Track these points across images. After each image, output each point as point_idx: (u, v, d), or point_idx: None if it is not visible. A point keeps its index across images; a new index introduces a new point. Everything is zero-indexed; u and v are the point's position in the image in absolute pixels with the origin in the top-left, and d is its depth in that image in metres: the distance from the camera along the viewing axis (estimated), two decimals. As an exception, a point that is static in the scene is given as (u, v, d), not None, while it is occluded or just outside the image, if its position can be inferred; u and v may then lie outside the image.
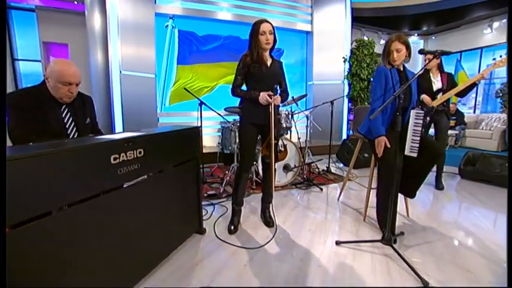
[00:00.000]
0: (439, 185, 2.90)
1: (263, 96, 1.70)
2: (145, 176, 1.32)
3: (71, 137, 1.50)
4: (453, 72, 6.74)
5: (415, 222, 2.07)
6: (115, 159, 1.08)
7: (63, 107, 1.49)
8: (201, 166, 2.90)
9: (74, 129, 1.52)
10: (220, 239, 1.79)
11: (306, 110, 3.48)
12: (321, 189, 2.86)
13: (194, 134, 1.69)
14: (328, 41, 5.08)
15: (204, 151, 4.16)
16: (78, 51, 5.15)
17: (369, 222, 2.05)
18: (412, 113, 1.77)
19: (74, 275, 0.98)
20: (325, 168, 3.56)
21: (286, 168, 2.95)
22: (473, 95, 7.00)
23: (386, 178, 1.75)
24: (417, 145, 1.77)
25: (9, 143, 1.34)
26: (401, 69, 1.93)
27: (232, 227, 1.91)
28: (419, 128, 1.77)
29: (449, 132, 5.63)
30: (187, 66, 4.55)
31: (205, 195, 2.63)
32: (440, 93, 2.70)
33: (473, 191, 2.82)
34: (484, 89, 6.88)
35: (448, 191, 2.81)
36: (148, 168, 1.30)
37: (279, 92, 1.89)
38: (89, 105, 1.66)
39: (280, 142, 2.21)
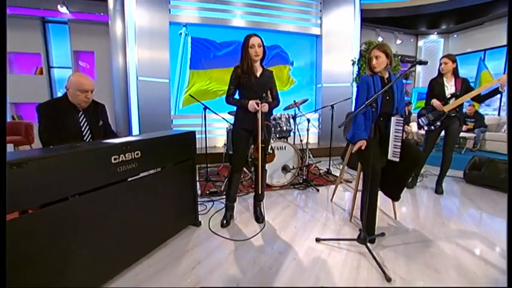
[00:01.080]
0: (438, 189, 2.89)
1: (251, 104, 1.89)
2: (143, 174, 1.57)
3: (86, 137, 1.80)
4: (476, 72, 6.47)
5: (401, 224, 2.14)
6: (115, 159, 1.32)
7: (80, 113, 1.79)
8: (205, 165, 3.17)
9: (89, 131, 1.82)
10: (212, 231, 2.00)
11: (307, 113, 3.58)
12: (317, 190, 2.98)
13: (189, 137, 1.92)
14: (337, 44, 5.12)
15: (214, 151, 4.43)
16: (102, 57, 5.66)
17: (354, 222, 2.16)
18: (393, 120, 1.86)
19: (88, 247, 1.25)
20: (326, 170, 3.66)
21: (285, 169, 3.10)
22: (498, 96, 6.61)
23: (369, 180, 1.85)
24: (399, 150, 1.86)
25: (39, 144, 1.67)
26: (386, 76, 2.00)
27: (224, 221, 2.11)
28: (400, 134, 1.86)
29: (468, 135, 5.43)
30: (202, 71, 4.83)
31: (207, 192, 2.87)
32: (453, 98, 2.67)
33: (473, 196, 2.79)
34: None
35: (446, 196, 2.81)
36: (145, 167, 1.54)
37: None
38: (101, 111, 1.96)
39: (271, 145, 2.38)
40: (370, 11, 6.07)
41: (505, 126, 5.46)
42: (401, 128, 1.84)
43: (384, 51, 1.91)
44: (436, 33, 7.42)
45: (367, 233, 1.75)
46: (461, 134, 5.40)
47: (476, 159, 3.27)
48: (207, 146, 3.30)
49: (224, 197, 2.71)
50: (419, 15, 6.31)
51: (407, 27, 7.12)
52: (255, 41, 1.92)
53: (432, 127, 2.78)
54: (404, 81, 7.95)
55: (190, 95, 3.04)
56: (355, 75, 5.02)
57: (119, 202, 1.40)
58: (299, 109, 3.53)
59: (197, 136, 2.97)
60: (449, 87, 2.72)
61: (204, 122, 2.99)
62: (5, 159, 0.91)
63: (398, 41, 7.28)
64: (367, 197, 1.76)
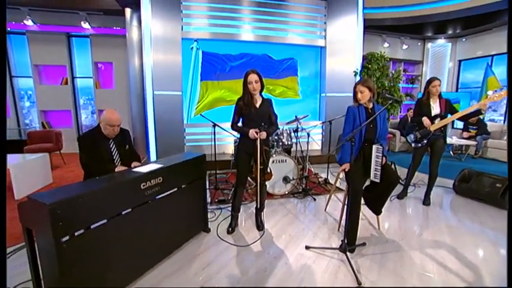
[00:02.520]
0: (426, 201, 3.16)
1: (251, 133, 2.24)
2: (164, 194, 1.95)
3: (116, 160, 2.20)
4: (483, 77, 6.53)
5: (382, 235, 2.45)
6: (143, 186, 1.71)
7: (110, 140, 2.19)
8: (215, 172, 3.53)
9: (118, 155, 2.22)
10: (219, 237, 2.39)
11: (308, 128, 3.89)
12: (314, 200, 3.32)
13: (200, 160, 2.29)
14: (340, 55, 5.35)
15: (223, 158, 4.82)
16: (120, 67, 6.14)
17: (341, 231, 2.48)
18: (374, 148, 2.17)
19: (123, 253, 1.64)
20: (324, 179, 3.97)
21: (286, 179, 3.44)
22: (505, 101, 6.64)
23: (352, 197, 2.16)
24: (379, 173, 2.16)
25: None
26: (370, 107, 2.29)
27: (230, 229, 2.49)
28: (380, 160, 2.15)
29: (470, 142, 5.56)
30: (215, 82, 5.19)
31: (216, 200, 3.26)
32: (438, 119, 2.91)
33: (457, 208, 3.05)
34: (516, 96, 6.48)
35: (432, 207, 3.07)
36: (165, 189, 1.93)
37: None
38: (126, 136, 2.36)
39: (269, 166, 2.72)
40: (375, 20, 6.23)
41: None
42: (381, 154, 2.13)
43: (367, 87, 2.20)
44: (443, 37, 7.45)
45: (348, 244, 2.08)
46: (463, 142, 5.56)
47: (466, 171, 3.49)
48: (216, 153, 3.64)
49: (231, 204, 3.14)
50: (426, 23, 6.39)
51: (414, 32, 7.19)
52: (252, 78, 2.26)
53: (419, 144, 3.04)
54: (410, 85, 8.05)
55: (201, 114, 3.40)
56: (357, 86, 5.24)
57: (145, 217, 1.80)
58: (299, 124, 3.84)
59: (207, 143, 3.40)
60: (435, 108, 2.95)
61: (213, 137, 3.36)
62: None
63: (405, 46, 7.39)
64: (347, 212, 2.09)
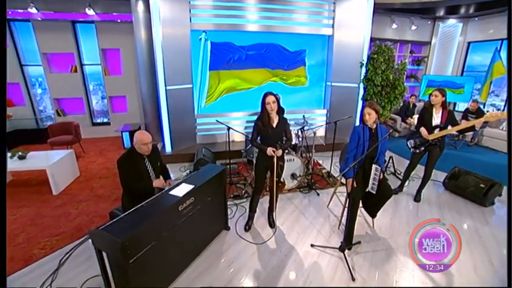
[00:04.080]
0: (417, 197, 3.57)
1: (269, 151, 2.56)
2: (195, 207, 2.34)
3: (151, 176, 2.54)
4: (490, 62, 6.55)
5: (375, 232, 2.90)
6: (181, 207, 2.09)
7: (145, 159, 2.51)
8: (228, 164, 3.88)
9: (153, 172, 2.56)
10: (239, 235, 2.85)
11: (313, 128, 4.15)
12: (318, 194, 3.74)
13: (221, 173, 2.64)
14: (347, 44, 5.36)
15: (232, 148, 5.14)
16: (127, 54, 6.17)
17: (341, 229, 2.93)
18: (373, 167, 2.49)
19: (171, 257, 2.08)
20: (328, 172, 4.36)
21: (293, 176, 3.83)
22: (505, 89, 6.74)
23: (351, 205, 2.55)
24: (376, 186, 2.52)
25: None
26: (374, 127, 2.55)
27: (247, 227, 2.94)
28: (378, 177, 2.49)
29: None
30: (228, 71, 5.33)
31: (231, 196, 3.68)
32: (438, 129, 3.14)
33: (444, 205, 3.47)
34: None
35: (421, 204, 3.49)
36: (197, 206, 2.31)
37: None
38: (157, 151, 2.66)
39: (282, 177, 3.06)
40: (384, 4, 6.06)
41: (504, 123, 5.79)
42: (379, 173, 2.46)
43: (374, 109, 2.46)
44: (455, 17, 7.23)
45: (346, 243, 2.53)
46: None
47: (456, 170, 3.85)
48: (226, 141, 3.92)
49: (245, 200, 3.57)
50: (436, 2, 6.19)
51: (425, 13, 6.98)
52: (270, 99, 2.51)
53: (417, 150, 3.35)
54: (416, 67, 8.03)
55: (216, 120, 3.65)
56: (362, 77, 5.36)
57: (183, 228, 2.20)
58: (306, 123, 4.11)
59: (217, 133, 3.75)
60: (436, 118, 3.17)
61: (228, 140, 3.65)
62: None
63: (414, 27, 7.22)
64: (347, 217, 2.50)
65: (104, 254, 1.78)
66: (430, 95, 3.22)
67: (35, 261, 2.41)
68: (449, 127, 3.13)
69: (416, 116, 6.35)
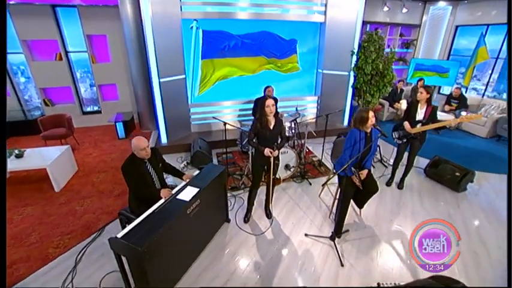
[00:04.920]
0: (400, 185, 3.90)
1: (266, 152, 2.73)
2: (200, 208, 2.54)
3: (154, 178, 2.68)
4: (475, 46, 6.72)
5: (362, 221, 3.22)
6: (189, 211, 2.28)
7: (147, 163, 2.63)
8: (225, 154, 4.07)
9: (155, 174, 2.69)
10: (239, 227, 3.10)
11: (306, 121, 4.31)
12: (310, 184, 4.01)
13: (223, 174, 2.82)
14: (339, 34, 5.36)
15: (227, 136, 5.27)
16: (115, 40, 5.95)
17: (332, 218, 3.23)
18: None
19: (179, 257, 2.31)
20: (319, 161, 4.62)
21: (287, 167, 4.05)
22: (489, 71, 7.01)
23: (343, 200, 2.80)
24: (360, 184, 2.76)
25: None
26: (368, 131, 2.72)
27: (246, 219, 3.20)
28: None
29: (449, 117, 6.05)
30: (222, 59, 5.29)
31: (229, 187, 3.89)
32: (420, 124, 3.39)
33: (424, 192, 3.81)
34: (501, 67, 6.83)
35: (404, 191, 3.83)
36: (203, 207, 2.50)
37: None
38: (157, 154, 2.78)
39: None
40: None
41: (483, 109, 6.13)
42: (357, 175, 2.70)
43: (374, 115, 2.63)
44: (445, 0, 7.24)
45: (336, 233, 2.84)
46: (442, 116, 6.10)
47: (437, 158, 4.18)
48: (221, 130, 4.00)
49: (242, 191, 3.79)
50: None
51: (416, -5, 6.93)
52: (269, 102, 2.65)
53: (400, 141, 3.62)
54: (404, 50, 8.13)
55: (213, 117, 3.73)
56: (353, 65, 5.45)
57: (191, 227, 2.41)
58: (299, 115, 4.26)
59: (211, 121, 4.06)
60: (420, 114, 3.41)
61: (225, 134, 3.77)
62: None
63: (405, 10, 7.20)
64: (337, 209, 2.77)
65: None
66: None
67: (52, 260, 2.59)
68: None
69: (403, 101, 6.59)
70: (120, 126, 5.66)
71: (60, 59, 5.89)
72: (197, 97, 5.50)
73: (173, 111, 5.02)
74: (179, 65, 4.84)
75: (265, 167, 2.97)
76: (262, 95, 4.69)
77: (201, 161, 4.43)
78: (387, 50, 5.49)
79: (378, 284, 2.36)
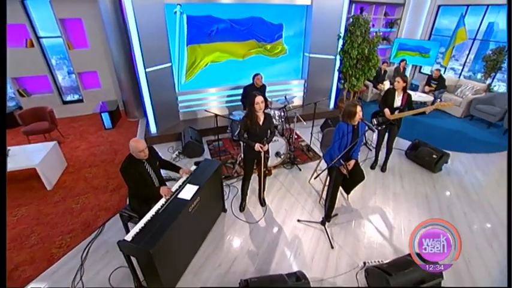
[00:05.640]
0: (383, 168, 4.20)
1: (257, 147, 2.85)
2: (200, 204, 2.66)
3: (152, 177, 2.75)
4: (455, 27, 6.89)
5: (349, 204, 3.50)
6: (190, 209, 2.40)
7: (145, 162, 2.68)
8: (216, 141, 4.16)
9: (153, 173, 2.76)
10: (235, 216, 3.28)
11: (295, 107, 4.40)
12: (300, 170, 4.22)
13: (219, 169, 2.92)
14: (325, 16, 5.30)
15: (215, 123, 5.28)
16: (92, 24, 5.59)
17: (321, 204, 3.48)
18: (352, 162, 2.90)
19: (184, 250, 2.47)
20: (307, 146, 4.80)
21: (277, 154, 4.21)
22: (467, 52, 7.27)
23: (332, 188, 3.01)
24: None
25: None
26: (355, 124, 2.86)
27: (241, 208, 3.38)
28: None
29: (428, 99, 6.33)
30: (210, 44, 5.18)
31: (223, 177, 4.00)
32: (397, 111, 3.64)
33: (405, 174, 4.13)
34: (478, 48, 7.10)
35: (387, 173, 4.13)
36: (203, 204, 2.62)
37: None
38: (154, 153, 2.82)
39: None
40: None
41: (460, 89, 6.46)
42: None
43: (361, 110, 2.75)
44: (429, -22, 7.21)
45: (326, 217, 3.09)
46: (421, 99, 6.36)
47: (417, 141, 4.47)
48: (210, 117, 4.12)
49: (235, 180, 3.94)
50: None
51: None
52: (258, 99, 2.72)
53: (379, 127, 3.85)
54: (388, 29, 8.19)
55: (205, 109, 3.73)
56: (339, 49, 5.49)
57: (194, 221, 2.55)
58: (287, 102, 4.35)
59: (199, 108, 4.40)
60: (398, 101, 3.63)
61: (216, 124, 3.81)
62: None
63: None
64: (327, 196, 3.00)
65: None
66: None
67: (57, 260, 2.68)
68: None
69: (386, 82, 6.80)
70: (106, 117, 5.51)
71: (32, 45, 5.47)
72: (184, 84, 5.39)
73: (161, 101, 4.94)
74: (165, 53, 4.68)
75: (256, 160, 3.10)
76: (251, 82, 4.69)
77: (193, 151, 4.49)
78: (373, 30, 5.54)
79: (364, 262, 2.65)
